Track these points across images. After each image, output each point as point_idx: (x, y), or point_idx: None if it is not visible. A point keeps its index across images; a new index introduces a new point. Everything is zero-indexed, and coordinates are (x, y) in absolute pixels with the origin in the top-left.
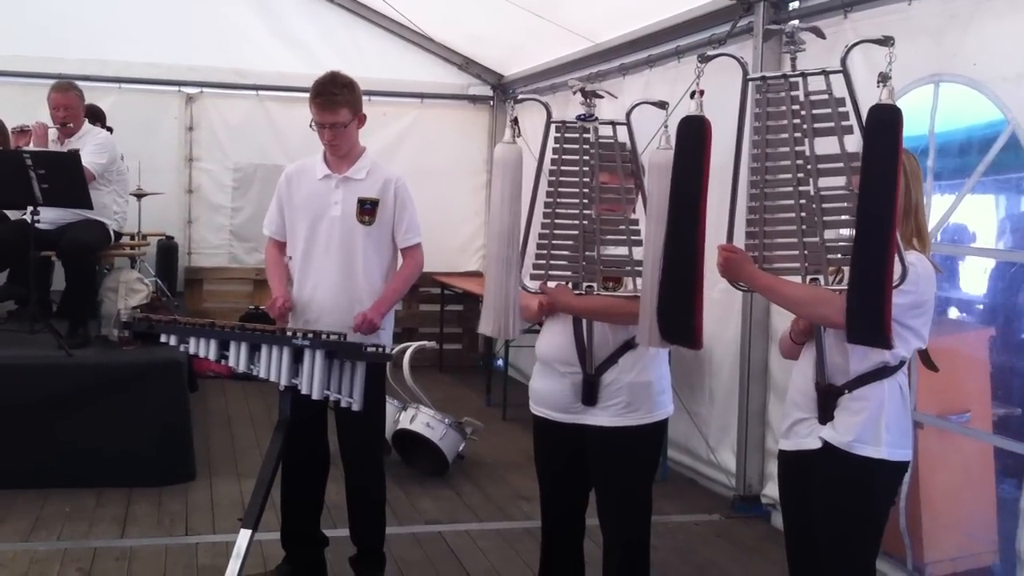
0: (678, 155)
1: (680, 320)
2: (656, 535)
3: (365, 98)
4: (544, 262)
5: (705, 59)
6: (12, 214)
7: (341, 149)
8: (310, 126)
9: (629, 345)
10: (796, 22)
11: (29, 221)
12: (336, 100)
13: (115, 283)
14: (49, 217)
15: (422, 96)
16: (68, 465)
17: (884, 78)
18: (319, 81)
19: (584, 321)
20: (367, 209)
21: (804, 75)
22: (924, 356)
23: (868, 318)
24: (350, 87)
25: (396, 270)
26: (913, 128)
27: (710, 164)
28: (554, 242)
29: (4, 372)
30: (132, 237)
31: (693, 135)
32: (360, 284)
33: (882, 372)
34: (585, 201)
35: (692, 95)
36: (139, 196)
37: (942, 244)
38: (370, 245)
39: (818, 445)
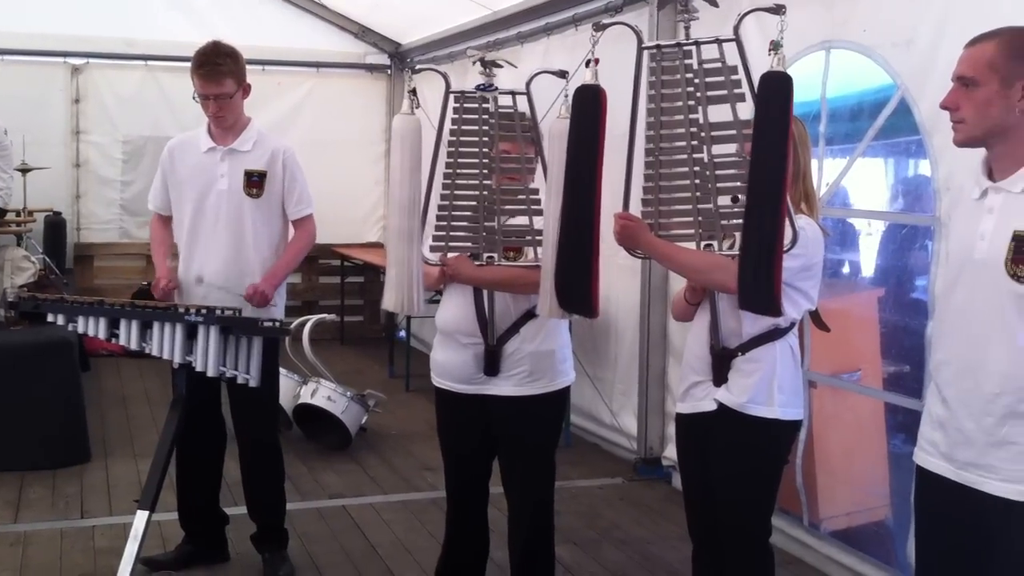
0: (574, 124)
1: (576, 289)
2: (560, 500)
3: (259, 68)
4: (444, 233)
5: (600, 27)
6: None
7: (227, 121)
8: (193, 98)
9: (530, 315)
10: None
11: None
12: (220, 70)
13: (0, 261)
14: None
15: (318, 65)
16: None
17: (776, 46)
18: (201, 51)
19: (485, 292)
20: (254, 181)
21: (698, 43)
22: (815, 316)
23: (759, 286)
24: (233, 56)
25: (288, 242)
26: (805, 94)
27: (606, 133)
28: (454, 213)
29: None
30: (18, 213)
31: (589, 104)
32: (250, 258)
33: (773, 334)
34: (485, 172)
35: (587, 64)
36: (24, 171)
37: (833, 208)
38: (259, 218)
39: (714, 407)
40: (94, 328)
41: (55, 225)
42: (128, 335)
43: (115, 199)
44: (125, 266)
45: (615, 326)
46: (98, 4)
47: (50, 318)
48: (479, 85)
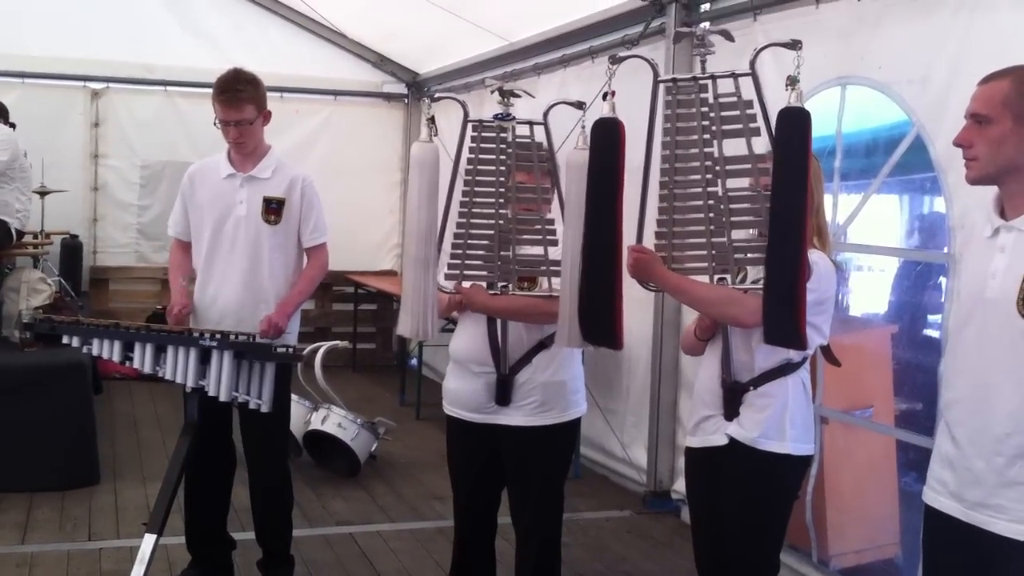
0: (593, 157)
1: (601, 321)
2: (568, 532)
3: (277, 95)
4: (459, 262)
5: (616, 60)
6: None
7: (247, 147)
8: (214, 124)
9: (543, 345)
10: (706, 25)
11: None
12: (240, 97)
13: (17, 283)
14: None
15: (335, 93)
16: None
17: (793, 81)
18: (222, 78)
19: (498, 321)
20: (273, 208)
21: (714, 77)
22: (827, 352)
23: (784, 320)
24: (254, 83)
25: (301, 270)
26: (820, 129)
27: (624, 165)
28: (470, 242)
29: None
30: (35, 236)
31: (608, 137)
32: (265, 284)
33: (785, 368)
34: (501, 201)
35: (604, 96)
36: (43, 194)
37: (848, 244)
38: (276, 245)
39: (725, 441)
40: (108, 351)
41: (72, 248)
42: (142, 358)
43: (132, 223)
44: (140, 290)
45: (627, 358)
46: (118, 29)
47: (65, 340)
48: (497, 114)
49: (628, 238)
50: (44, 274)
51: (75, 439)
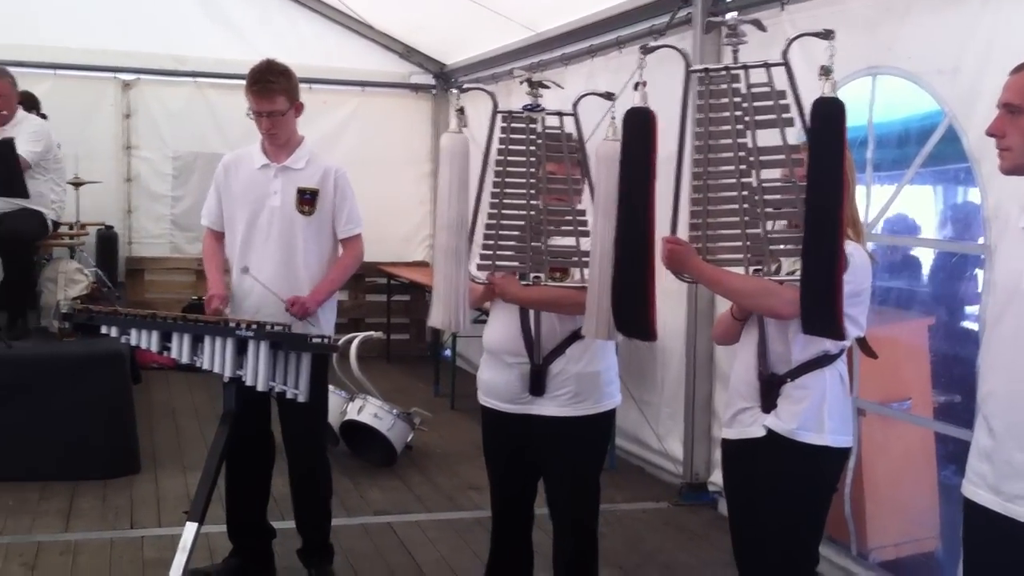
0: (625, 148)
1: (634, 313)
2: (604, 523)
3: (305, 86)
4: (491, 253)
5: (647, 50)
6: None
7: (279, 138)
8: (247, 115)
9: (577, 335)
10: (736, 14)
11: None
12: (272, 88)
13: (54, 273)
14: None
15: (363, 84)
16: (10, 458)
17: (826, 71)
18: (255, 69)
19: (531, 311)
20: (307, 199)
21: (746, 67)
22: (863, 344)
23: (822, 310)
24: (286, 75)
25: (336, 261)
26: (851, 119)
27: (656, 156)
28: (501, 232)
29: None
30: (70, 227)
31: (640, 127)
32: (300, 274)
33: (823, 360)
34: (532, 192)
35: (635, 87)
36: (77, 185)
37: (883, 234)
38: (310, 235)
39: (762, 433)
40: (147, 341)
41: (107, 239)
42: (180, 348)
43: (165, 214)
44: (175, 280)
45: (662, 350)
46: (149, 21)
47: (104, 330)
48: (526, 105)
49: (662, 229)
50: (80, 265)
51: (115, 429)
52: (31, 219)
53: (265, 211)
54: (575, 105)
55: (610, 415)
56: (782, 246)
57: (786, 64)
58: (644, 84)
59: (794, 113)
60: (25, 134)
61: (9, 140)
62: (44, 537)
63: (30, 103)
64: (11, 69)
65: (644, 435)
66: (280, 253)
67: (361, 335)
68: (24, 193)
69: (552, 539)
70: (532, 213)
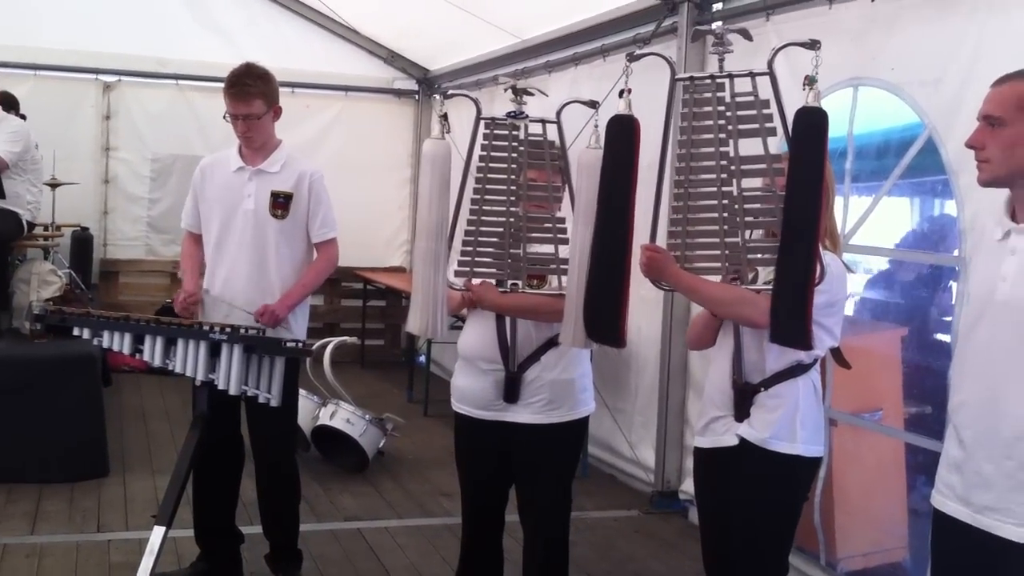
0: (608, 155)
1: (605, 319)
2: (575, 531)
3: (288, 90)
4: (469, 259)
5: (633, 58)
6: None
7: (255, 141)
8: (224, 117)
9: (552, 343)
10: (722, 23)
11: None
12: (249, 91)
13: (27, 274)
14: None
15: (347, 89)
16: None
17: (811, 81)
18: (233, 72)
19: (507, 318)
20: (280, 203)
21: (731, 76)
22: (836, 354)
23: (791, 319)
24: (264, 78)
25: (309, 265)
26: (832, 130)
27: (639, 163)
28: (480, 239)
29: None
30: (46, 228)
31: (623, 135)
32: (272, 278)
33: (796, 370)
34: (512, 198)
35: (620, 94)
36: (53, 186)
37: (857, 245)
38: (283, 239)
39: (735, 442)
40: (119, 343)
41: (82, 240)
42: (152, 351)
43: (142, 216)
44: (150, 283)
45: (636, 358)
46: (131, 23)
47: (76, 332)
48: (510, 112)
49: (641, 237)
50: (54, 266)
51: (84, 431)
52: (6, 219)
53: (239, 214)
54: (559, 113)
55: (584, 423)
56: (760, 255)
57: (771, 73)
58: (629, 91)
59: (777, 122)
60: (4, 134)
61: None
62: (9, 539)
63: (9, 103)
64: None
65: (616, 443)
66: (253, 256)
67: (335, 340)
68: (0, 194)
69: (522, 546)
70: (512, 220)
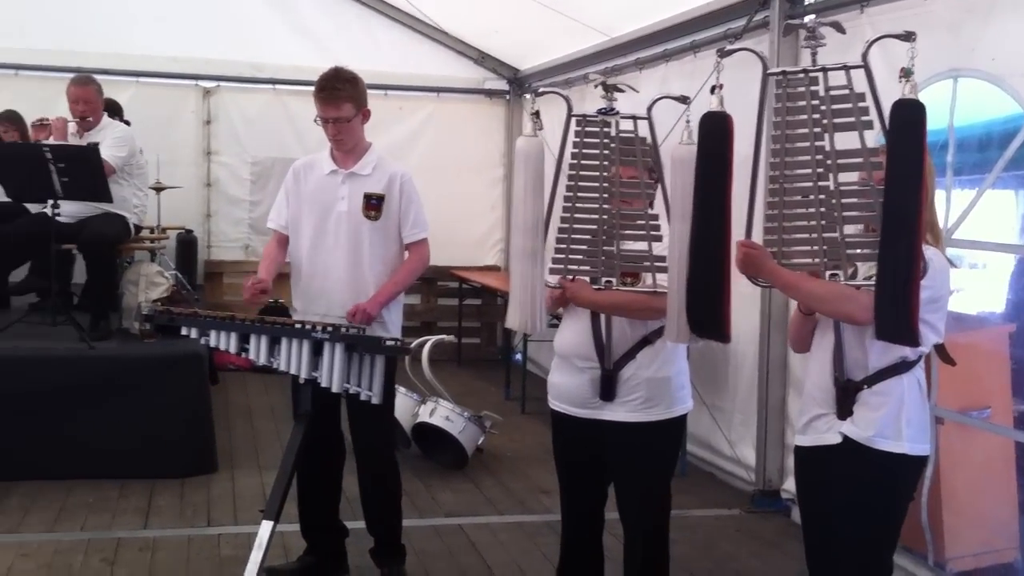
0: (702, 151)
1: (709, 314)
2: (676, 529)
3: (381, 92)
4: (563, 256)
5: (724, 53)
6: (32, 207)
7: (346, 144)
8: (315, 121)
9: (647, 340)
10: (814, 16)
11: (49, 214)
12: (339, 95)
13: (136, 276)
14: (69, 211)
15: (438, 90)
16: (91, 456)
17: (907, 73)
18: (323, 76)
19: (602, 316)
20: (373, 204)
21: (825, 70)
22: (941, 350)
23: (896, 315)
24: (353, 82)
25: (401, 264)
26: (932, 123)
27: (733, 159)
28: (573, 236)
29: (27, 364)
30: (152, 231)
31: (717, 131)
32: (366, 278)
33: (900, 367)
34: (605, 196)
35: (712, 90)
36: (158, 190)
37: (961, 240)
38: (376, 240)
39: (837, 440)
40: (225, 342)
41: (187, 243)
42: (258, 350)
43: (243, 218)
44: None
45: (734, 355)
46: (229, 30)
47: (184, 332)
48: (601, 109)
49: (737, 233)
50: (161, 268)
51: (193, 428)
52: (114, 223)
53: (333, 216)
54: (649, 109)
55: (681, 421)
56: (859, 250)
57: (866, 66)
58: (721, 87)
59: (873, 116)
60: (109, 139)
61: (94, 145)
62: (124, 533)
63: (114, 110)
64: (96, 77)
65: (716, 441)
66: (348, 257)
67: (433, 338)
68: (108, 197)
69: (623, 544)
70: (604, 217)
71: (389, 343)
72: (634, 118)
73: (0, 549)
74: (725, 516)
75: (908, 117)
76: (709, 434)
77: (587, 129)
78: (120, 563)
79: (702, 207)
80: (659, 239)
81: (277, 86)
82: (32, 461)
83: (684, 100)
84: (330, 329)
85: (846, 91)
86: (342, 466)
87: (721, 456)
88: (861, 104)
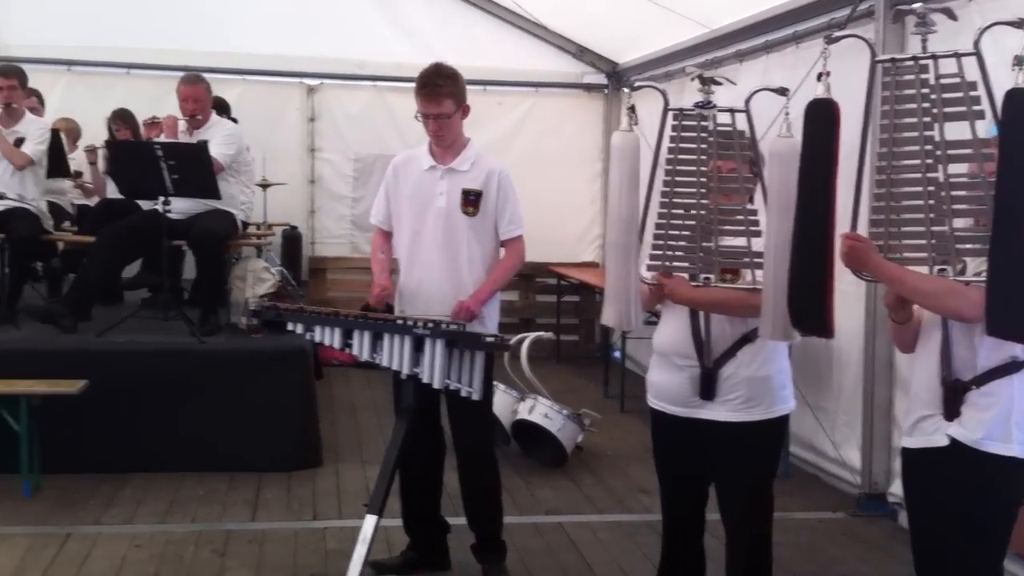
0: (807, 140)
1: (812, 309)
2: (779, 531)
3: (480, 88)
4: (661, 253)
5: (832, 40)
6: (144, 204)
7: (446, 140)
8: (415, 117)
9: (747, 338)
10: (923, 3)
11: (160, 211)
12: (440, 91)
13: (243, 272)
14: (179, 207)
15: (537, 85)
16: (201, 449)
17: (1020, 61)
18: (423, 72)
19: (701, 313)
20: (471, 200)
21: (935, 57)
22: None
23: (1009, 312)
24: (453, 78)
25: (499, 261)
26: None
27: (839, 149)
28: (671, 232)
29: (140, 357)
30: (258, 227)
31: (824, 119)
32: (464, 274)
33: (1011, 367)
34: (702, 190)
35: (819, 77)
36: (264, 186)
37: None
38: (473, 236)
39: (945, 442)
40: (330, 338)
41: (292, 239)
42: (361, 345)
43: (346, 214)
44: (355, 279)
45: (838, 354)
46: (332, 28)
47: (290, 327)
48: (698, 102)
49: (842, 225)
50: (267, 263)
51: (299, 423)
52: (223, 219)
53: (431, 212)
54: (747, 101)
55: (783, 421)
56: (968, 245)
57: (978, 54)
58: (828, 74)
59: (985, 105)
60: (218, 137)
61: (203, 143)
62: (233, 525)
63: (221, 108)
64: (205, 75)
65: (819, 442)
66: (445, 253)
67: (532, 335)
68: (216, 194)
69: (724, 546)
70: (702, 212)
71: (489, 339)
72: (732, 111)
73: (114, 540)
74: (830, 519)
75: (1021, 107)
76: (812, 435)
77: (684, 123)
78: (230, 554)
79: (806, 198)
80: (758, 235)
81: (379, 83)
82: (144, 454)
83: (783, 92)
84: (431, 325)
85: (957, 80)
86: (443, 462)
87: (825, 458)
88: (972, 93)
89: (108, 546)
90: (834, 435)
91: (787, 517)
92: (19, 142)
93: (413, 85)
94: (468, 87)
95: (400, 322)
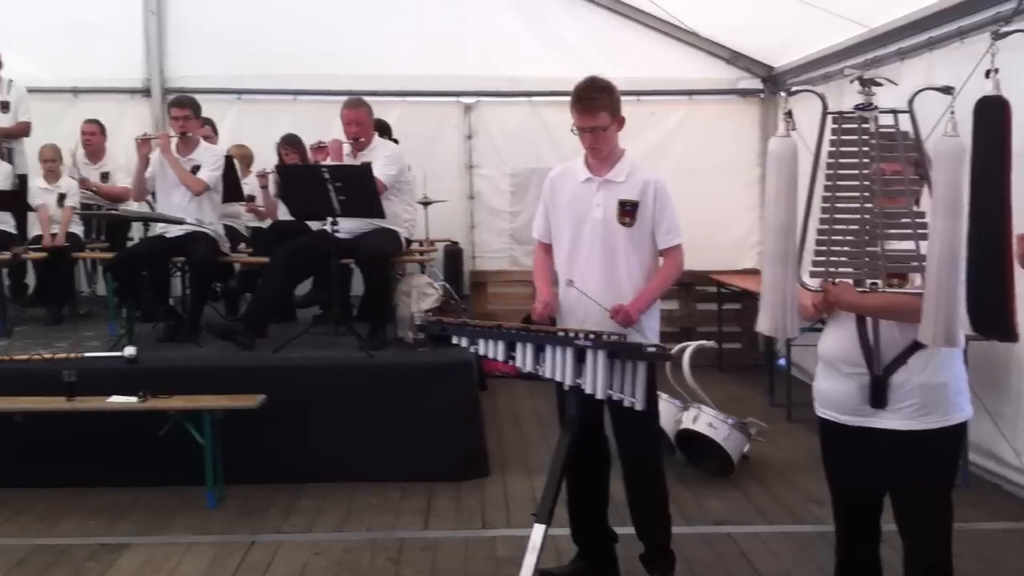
0: (977, 138)
1: (992, 312)
2: (959, 543)
3: (633, 98)
4: (824, 259)
5: (999, 36)
6: (313, 225)
7: (602, 152)
8: (571, 130)
9: (919, 344)
10: None
11: (329, 231)
12: (595, 104)
13: (408, 288)
14: (346, 227)
15: (690, 93)
16: (373, 460)
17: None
18: (578, 86)
19: (869, 320)
20: (627, 211)
21: None
22: None
23: None
24: (608, 91)
25: (657, 271)
26: None
27: (1011, 148)
28: (834, 238)
29: (313, 372)
30: (421, 243)
31: (994, 115)
32: (623, 284)
33: None
34: (866, 194)
35: (987, 74)
36: (425, 204)
37: None
38: (631, 246)
39: None
40: (494, 351)
41: (453, 254)
42: (524, 357)
43: (505, 229)
44: (515, 292)
45: (1017, 358)
46: (486, 46)
47: (454, 340)
48: (858, 105)
49: (1018, 226)
50: (431, 279)
51: (465, 433)
52: (388, 237)
53: (588, 223)
54: (911, 102)
55: (961, 429)
56: None
57: None
58: (996, 71)
59: None
60: (380, 158)
61: (367, 165)
62: (406, 534)
63: (383, 129)
64: (366, 98)
65: (1000, 450)
66: (603, 264)
67: (694, 344)
68: (381, 213)
69: (902, 557)
70: (867, 216)
71: (651, 349)
72: (894, 112)
73: (295, 547)
74: (1013, 529)
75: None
76: (992, 442)
77: (844, 126)
78: (404, 563)
79: (980, 199)
80: (926, 237)
81: (533, 98)
82: (319, 464)
83: (948, 90)
84: (592, 336)
85: None
86: (608, 472)
87: (1006, 466)
88: None
89: (289, 553)
90: (1016, 442)
91: (967, 528)
92: (195, 169)
93: (566, 99)
94: (622, 98)
95: (562, 334)
